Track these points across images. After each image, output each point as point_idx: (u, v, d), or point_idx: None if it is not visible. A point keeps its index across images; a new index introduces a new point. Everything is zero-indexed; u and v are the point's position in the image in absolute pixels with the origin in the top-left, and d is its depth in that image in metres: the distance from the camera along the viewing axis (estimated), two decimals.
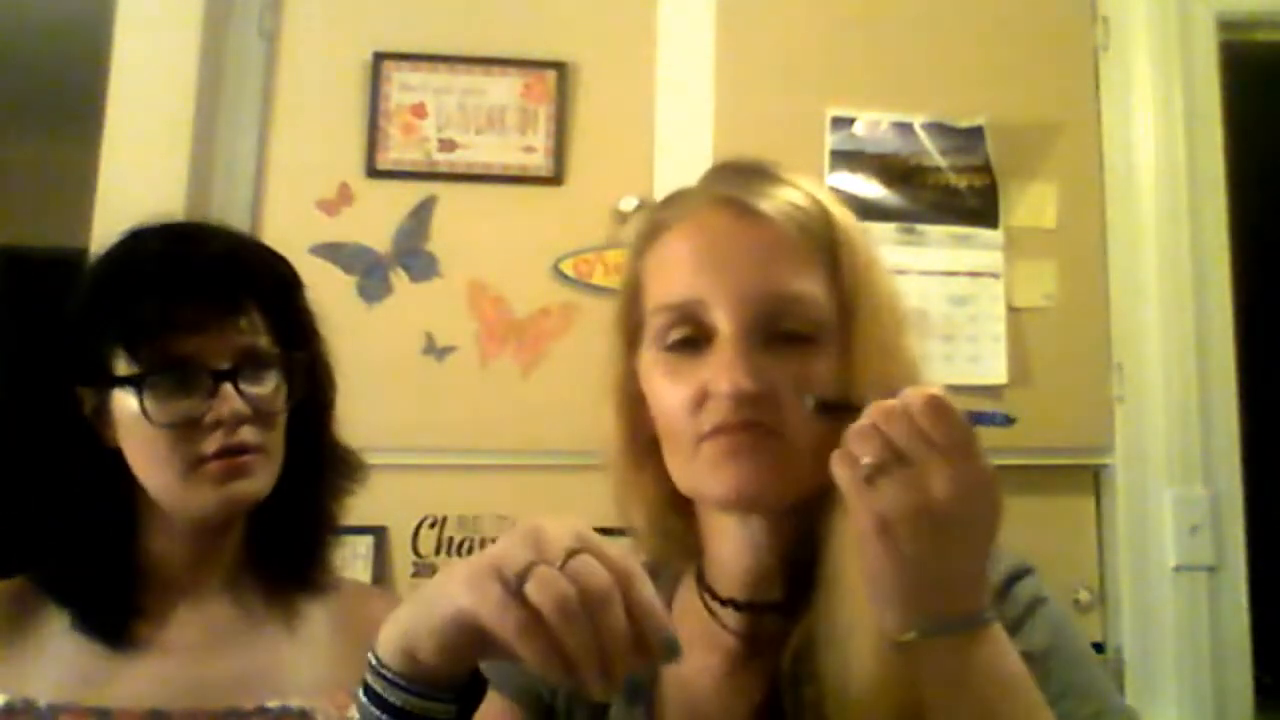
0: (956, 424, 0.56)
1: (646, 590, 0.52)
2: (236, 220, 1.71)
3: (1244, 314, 1.81)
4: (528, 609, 0.50)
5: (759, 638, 0.72)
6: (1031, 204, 1.83)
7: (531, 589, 0.50)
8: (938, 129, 1.82)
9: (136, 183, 1.64)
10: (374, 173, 1.76)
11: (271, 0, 1.80)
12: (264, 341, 0.91)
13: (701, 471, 0.68)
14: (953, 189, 1.81)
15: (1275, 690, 1.87)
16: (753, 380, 0.65)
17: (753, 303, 0.67)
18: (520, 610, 0.51)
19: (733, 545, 0.73)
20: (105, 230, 0.93)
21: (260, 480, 0.90)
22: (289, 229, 1.73)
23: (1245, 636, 1.71)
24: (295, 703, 0.87)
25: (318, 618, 0.96)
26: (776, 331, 0.67)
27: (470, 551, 1.67)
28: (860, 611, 0.63)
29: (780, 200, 0.70)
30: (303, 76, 1.79)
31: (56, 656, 0.87)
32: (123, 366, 0.86)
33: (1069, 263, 1.82)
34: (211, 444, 0.86)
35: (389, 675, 0.56)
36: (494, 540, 1.83)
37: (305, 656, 0.93)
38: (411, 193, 1.76)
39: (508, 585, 0.51)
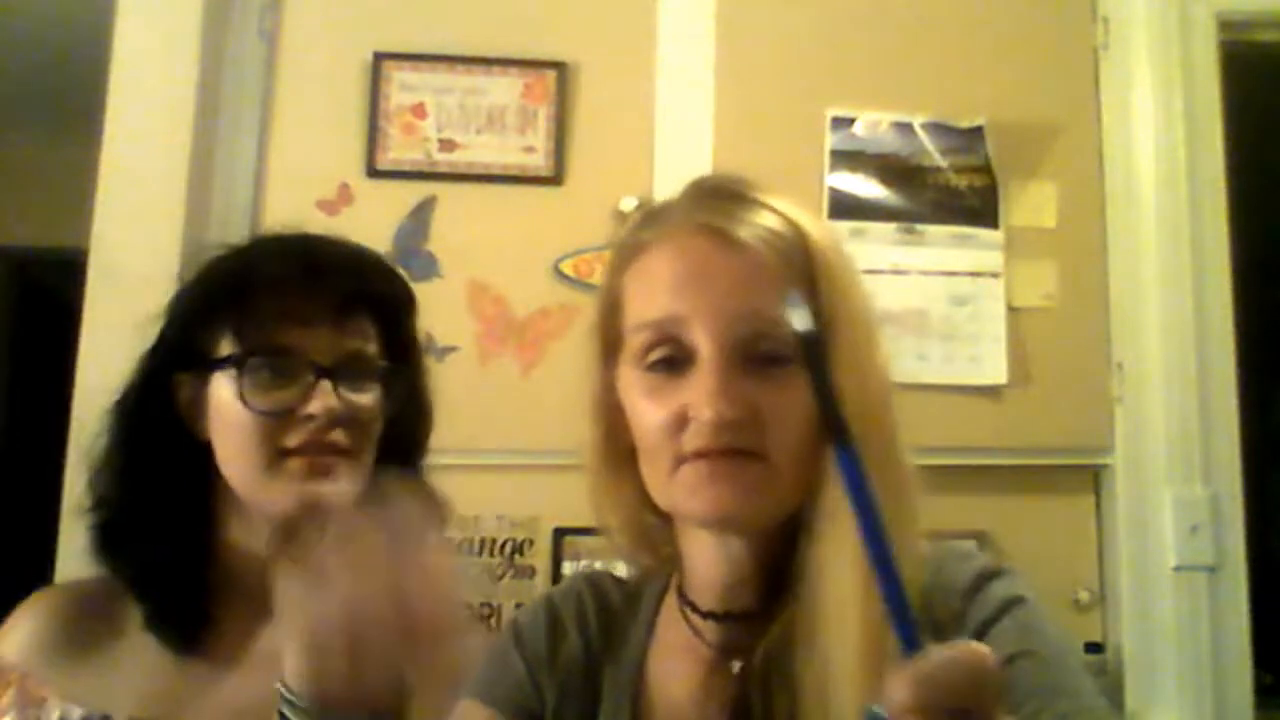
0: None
1: None
2: (236, 220, 1.71)
3: (1244, 314, 1.81)
4: None
5: (733, 644, 0.73)
6: (1031, 204, 1.83)
7: None
8: (938, 129, 1.82)
9: (136, 183, 1.64)
10: (374, 173, 1.76)
11: (271, 0, 1.80)
12: (371, 349, 0.90)
13: (680, 492, 0.69)
14: (953, 189, 1.81)
15: (1275, 690, 1.87)
16: (735, 407, 0.66)
17: (733, 324, 0.68)
18: None
19: (708, 558, 0.74)
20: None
21: (343, 484, 0.85)
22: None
23: (1245, 636, 1.71)
24: None
25: None
26: (756, 353, 0.68)
27: (470, 551, 1.67)
28: (835, 611, 0.63)
29: (758, 227, 0.71)
30: (303, 77, 1.79)
31: (134, 668, 0.85)
32: (226, 348, 0.85)
33: (1069, 263, 1.81)
34: (298, 437, 0.84)
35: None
36: (493, 540, 1.81)
37: None
38: (411, 193, 1.76)
39: None
